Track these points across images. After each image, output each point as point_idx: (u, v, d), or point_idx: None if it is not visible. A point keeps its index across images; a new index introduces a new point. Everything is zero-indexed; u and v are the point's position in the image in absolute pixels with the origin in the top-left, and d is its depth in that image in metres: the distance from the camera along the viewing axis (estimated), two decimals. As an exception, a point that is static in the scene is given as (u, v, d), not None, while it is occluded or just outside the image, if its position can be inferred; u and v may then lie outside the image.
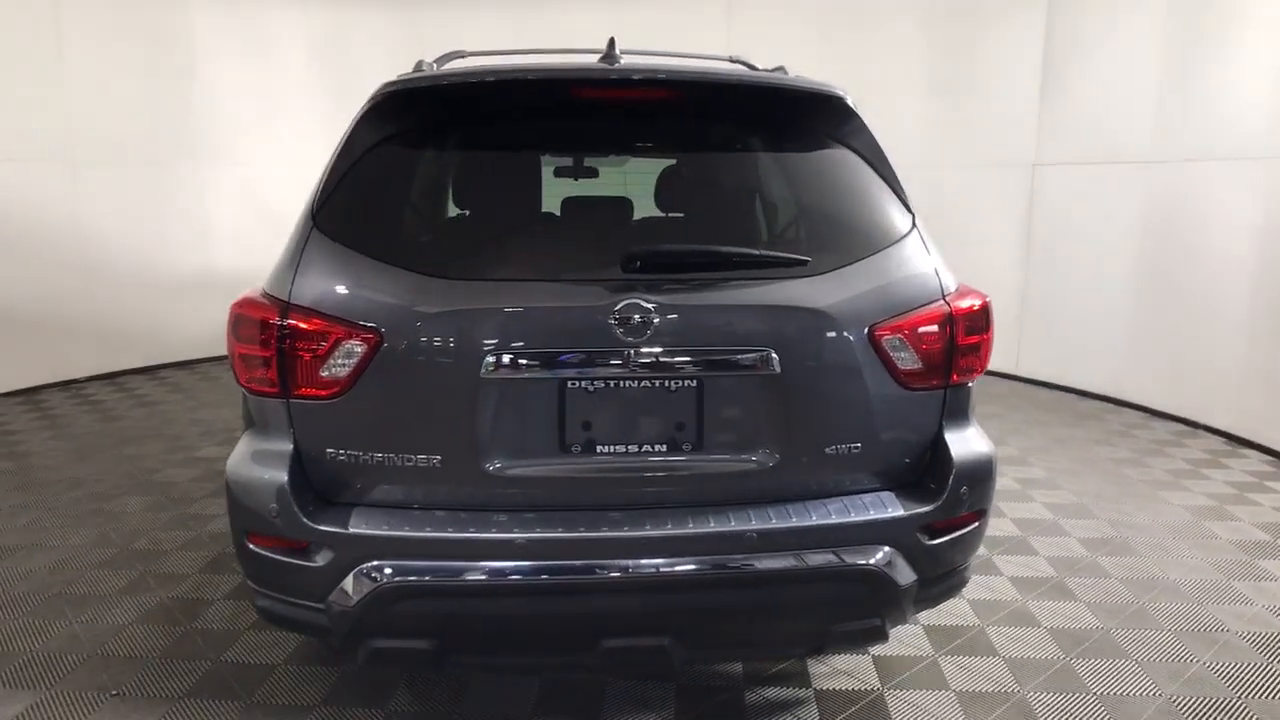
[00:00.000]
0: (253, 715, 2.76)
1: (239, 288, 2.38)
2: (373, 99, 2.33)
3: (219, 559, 3.86)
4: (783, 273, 2.25)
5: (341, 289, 2.19)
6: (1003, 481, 4.94)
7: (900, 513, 2.24)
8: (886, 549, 2.22)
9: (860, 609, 2.27)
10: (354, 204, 2.30)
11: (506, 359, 2.12)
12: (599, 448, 2.20)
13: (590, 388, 2.17)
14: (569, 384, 2.16)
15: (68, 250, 7.09)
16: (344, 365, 2.15)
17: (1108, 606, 3.49)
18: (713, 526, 2.16)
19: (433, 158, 2.53)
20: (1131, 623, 3.36)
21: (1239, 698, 2.88)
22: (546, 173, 3.01)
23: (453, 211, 2.68)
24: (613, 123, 2.55)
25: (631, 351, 2.13)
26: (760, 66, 3.10)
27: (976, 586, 3.63)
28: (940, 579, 2.38)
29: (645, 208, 3.22)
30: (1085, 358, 6.93)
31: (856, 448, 2.27)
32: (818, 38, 8.15)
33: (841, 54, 8.11)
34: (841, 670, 3.00)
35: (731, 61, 3.31)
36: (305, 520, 2.14)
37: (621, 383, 2.17)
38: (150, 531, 4.19)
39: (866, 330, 2.23)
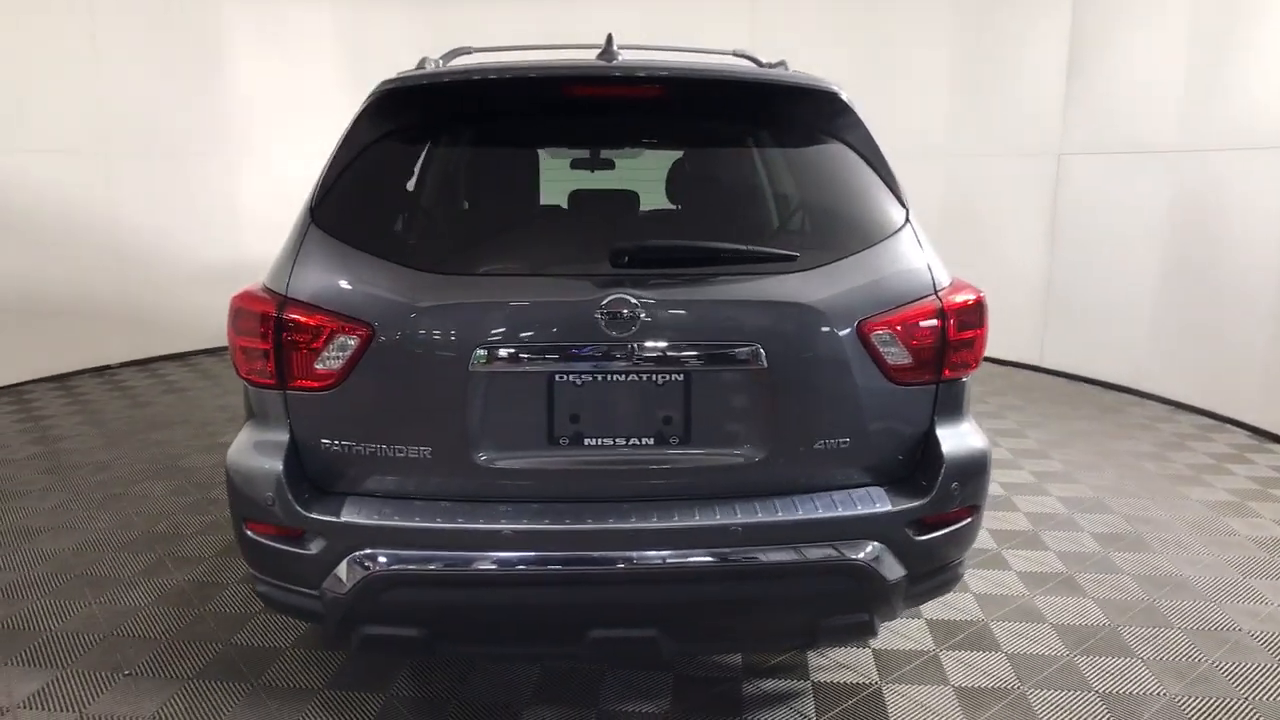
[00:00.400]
0: (258, 697, 2.82)
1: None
2: (370, 97, 2.37)
3: (235, 544, 3.94)
4: (771, 268, 2.25)
5: (337, 283, 2.23)
6: (1018, 475, 4.90)
7: (888, 508, 2.24)
8: (874, 544, 2.22)
9: (848, 604, 2.27)
10: (351, 200, 2.33)
11: (495, 352, 2.15)
12: (587, 440, 2.22)
13: (578, 381, 2.19)
14: (557, 377, 2.18)
15: (102, 239, 7.25)
16: (338, 358, 2.19)
17: (1117, 603, 3.45)
18: (699, 520, 2.17)
19: (429, 154, 2.55)
20: (1140, 620, 3.32)
21: (1246, 699, 2.84)
22: (550, 167, 3.04)
23: (448, 207, 2.71)
24: (607, 119, 2.57)
25: (618, 346, 2.15)
26: (764, 61, 3.09)
27: (983, 581, 3.62)
28: (931, 575, 2.37)
29: (650, 202, 3.23)
30: (1110, 349, 6.83)
31: (845, 443, 2.27)
32: (844, 25, 8.08)
33: (865, 42, 8.04)
34: (841, 664, 3.00)
35: (736, 55, 3.30)
36: (299, 509, 2.18)
37: (609, 376, 2.19)
38: (171, 515, 4.29)
39: (855, 325, 2.22)
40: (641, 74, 2.31)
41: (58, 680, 2.90)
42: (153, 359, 7.76)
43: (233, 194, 8.10)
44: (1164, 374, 6.42)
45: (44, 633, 3.20)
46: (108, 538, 4.03)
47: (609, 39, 2.53)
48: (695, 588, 2.21)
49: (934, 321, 2.28)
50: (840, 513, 2.21)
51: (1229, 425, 5.85)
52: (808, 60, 4.62)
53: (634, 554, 2.15)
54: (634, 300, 2.14)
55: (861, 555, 2.20)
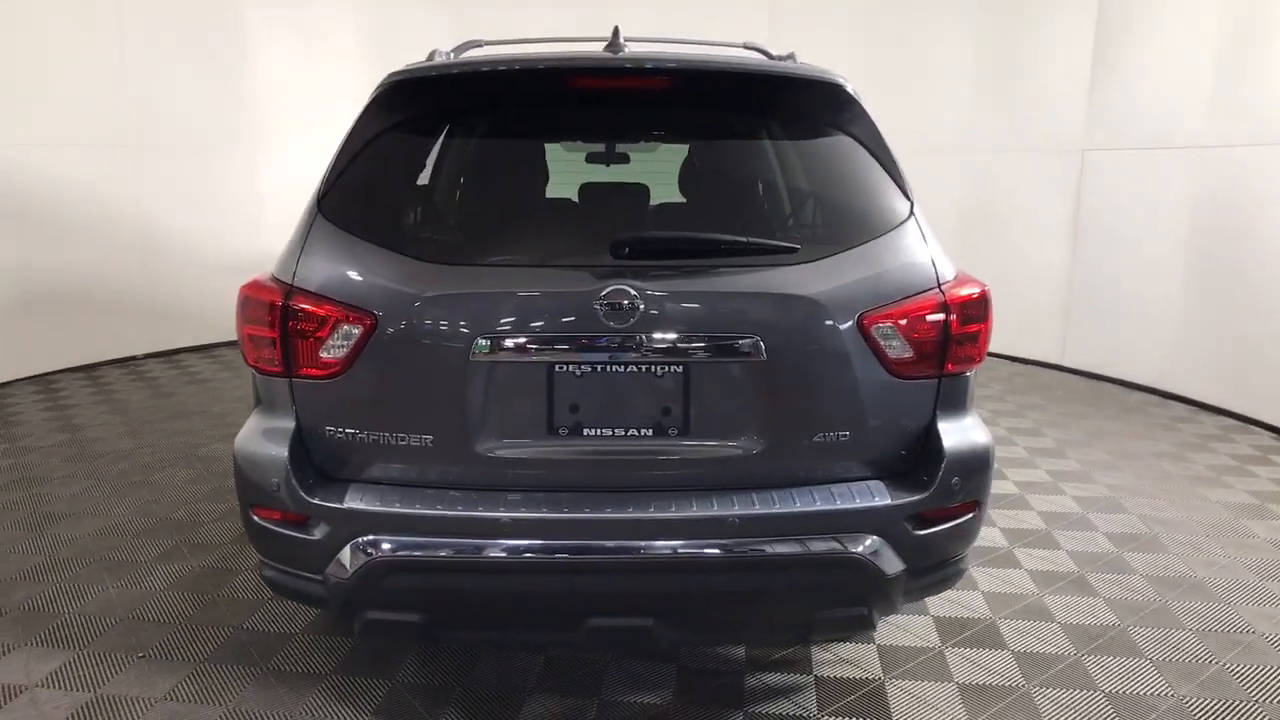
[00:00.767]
0: (267, 681, 2.87)
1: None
2: (378, 89, 2.40)
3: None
4: (773, 260, 2.25)
5: (342, 273, 2.26)
6: (1033, 474, 4.86)
7: (887, 502, 2.24)
8: (873, 538, 2.22)
9: (846, 597, 2.27)
10: (357, 191, 2.37)
11: (495, 342, 2.17)
12: (586, 431, 2.24)
13: (578, 372, 2.21)
14: (557, 368, 2.20)
15: (128, 232, 7.36)
16: (342, 346, 2.22)
17: (1128, 604, 3.42)
18: (697, 511, 2.18)
19: (435, 147, 2.58)
20: (1151, 621, 3.29)
21: (1256, 701, 2.80)
22: (565, 161, 3.06)
23: (453, 199, 2.74)
24: (613, 112, 2.58)
25: (618, 337, 2.16)
26: (774, 54, 3.08)
27: (992, 579, 3.60)
28: (931, 570, 2.37)
29: (663, 196, 3.24)
30: (1133, 348, 6.75)
31: (845, 435, 2.27)
32: (864, 17, 8.04)
33: (886, 38, 8.01)
34: (844, 658, 3.00)
35: (746, 48, 3.30)
36: (304, 495, 2.22)
37: (608, 367, 2.21)
38: (189, 503, 4.36)
39: (856, 318, 2.22)
40: (647, 66, 2.32)
41: (75, 660, 2.97)
42: (176, 350, 7.88)
43: (256, 187, 8.20)
44: (1187, 374, 6.33)
45: (63, 614, 3.27)
46: (127, 524, 4.10)
47: (615, 31, 2.54)
48: (692, 578, 2.22)
49: (936, 315, 2.28)
50: (839, 506, 2.22)
51: (1253, 426, 5.77)
52: (827, 53, 4.61)
53: (631, 543, 2.17)
54: (633, 291, 2.15)
55: (860, 549, 2.20)
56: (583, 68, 2.33)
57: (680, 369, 2.21)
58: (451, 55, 2.87)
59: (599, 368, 2.21)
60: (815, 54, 3.58)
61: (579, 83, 2.35)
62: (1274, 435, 5.58)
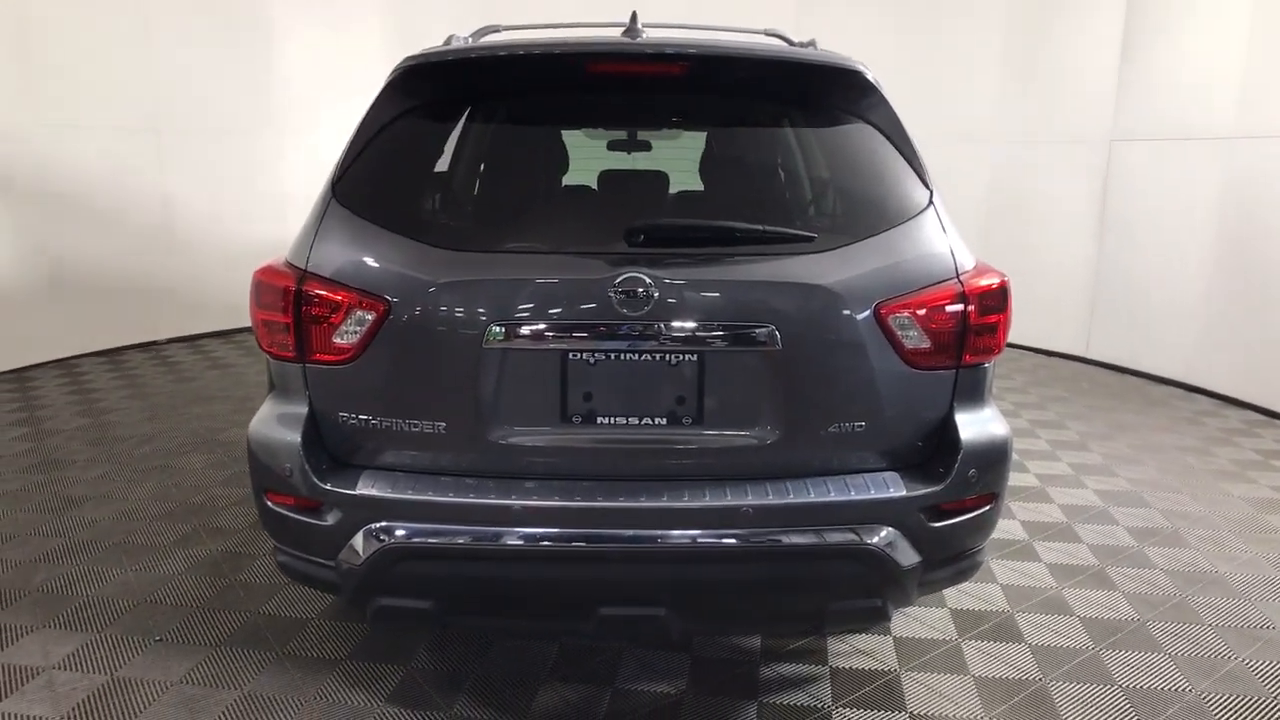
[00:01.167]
0: (282, 665, 2.88)
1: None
2: (393, 73, 2.38)
3: (267, 516, 4.03)
4: (789, 248, 2.23)
5: (355, 258, 2.25)
6: (1055, 466, 4.81)
7: (903, 493, 2.21)
8: (888, 529, 2.19)
9: (860, 589, 2.25)
10: (371, 177, 2.36)
11: (509, 329, 2.16)
12: (600, 419, 2.22)
13: (591, 360, 2.19)
14: (570, 355, 2.19)
15: (152, 216, 7.41)
16: (355, 332, 2.21)
17: (1148, 598, 3.38)
18: (710, 500, 2.16)
19: (449, 132, 2.56)
20: (1171, 616, 3.25)
21: (1275, 698, 2.76)
22: (586, 149, 3.03)
23: (468, 185, 2.72)
24: (631, 98, 2.55)
25: (632, 324, 2.15)
26: (795, 40, 3.05)
27: (1011, 572, 3.56)
28: (947, 562, 2.34)
29: (684, 184, 3.22)
30: (1159, 342, 6.65)
31: (860, 426, 2.24)
32: (891, 8, 7.95)
33: (913, 25, 7.92)
34: (861, 650, 2.98)
35: (767, 35, 3.26)
36: (316, 480, 2.22)
37: (622, 355, 2.19)
38: (208, 488, 4.39)
39: (872, 308, 2.19)
40: (665, 52, 2.29)
41: (92, 643, 2.99)
42: (199, 335, 7.94)
43: (278, 174, 8.22)
44: (1213, 368, 6.24)
45: (81, 597, 3.30)
46: (146, 508, 4.14)
47: (633, 16, 2.51)
48: (705, 568, 2.21)
49: (955, 306, 2.24)
50: (854, 497, 2.19)
51: (1278, 421, 5.68)
52: (853, 41, 4.55)
53: (644, 533, 2.15)
54: (648, 279, 2.13)
55: (875, 540, 2.18)
56: (598, 53, 2.31)
57: (695, 357, 2.19)
58: (469, 40, 2.86)
59: (613, 355, 2.19)
60: (841, 41, 3.54)
61: (595, 68, 2.33)
62: (1301, 430, 5.50)
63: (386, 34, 8.56)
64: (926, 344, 2.23)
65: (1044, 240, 7.37)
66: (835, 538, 2.17)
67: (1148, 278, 6.69)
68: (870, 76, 2.37)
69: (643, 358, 2.19)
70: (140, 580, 3.44)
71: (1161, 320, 6.61)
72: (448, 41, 2.79)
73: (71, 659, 2.90)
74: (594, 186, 3.10)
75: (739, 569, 2.21)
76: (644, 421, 2.22)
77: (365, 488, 2.21)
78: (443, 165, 2.59)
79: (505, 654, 2.94)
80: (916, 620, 3.16)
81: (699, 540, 2.15)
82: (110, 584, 3.40)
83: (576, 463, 2.25)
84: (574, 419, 2.22)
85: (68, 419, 5.50)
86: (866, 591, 2.25)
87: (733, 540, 2.16)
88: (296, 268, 2.28)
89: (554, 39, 2.40)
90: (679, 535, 2.15)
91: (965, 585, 3.25)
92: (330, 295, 2.21)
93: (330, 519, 2.23)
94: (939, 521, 2.25)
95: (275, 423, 2.32)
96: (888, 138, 2.40)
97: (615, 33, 2.57)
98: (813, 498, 2.18)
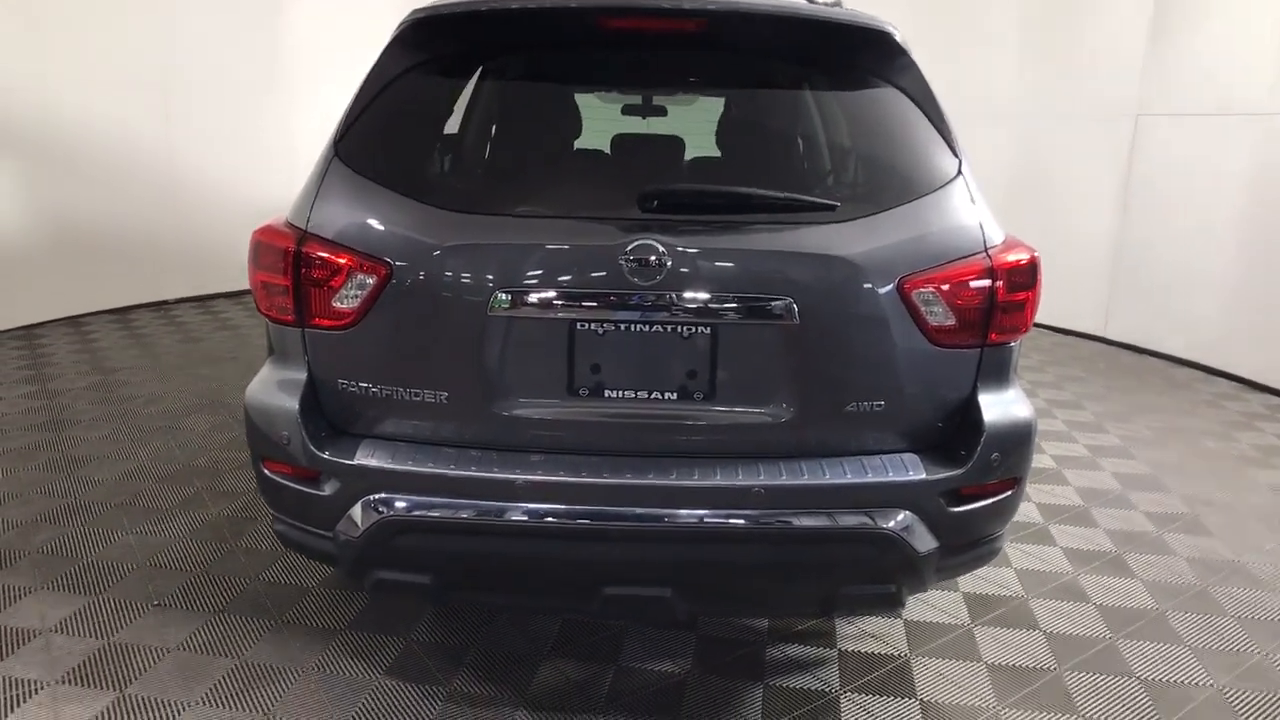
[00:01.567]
0: (281, 635, 2.84)
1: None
2: (400, 26, 2.28)
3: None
4: (809, 217, 2.12)
5: (356, 219, 2.17)
6: (1072, 448, 4.71)
7: (922, 476, 2.12)
8: (905, 513, 2.11)
9: (874, 574, 2.17)
10: (375, 134, 2.26)
11: (514, 297, 2.07)
12: (608, 392, 2.14)
13: (600, 330, 2.10)
14: (578, 325, 2.10)
15: (162, 176, 7.33)
16: (355, 296, 2.13)
17: (1167, 587, 3.29)
18: (720, 480, 2.08)
19: (458, 89, 2.46)
20: (1191, 606, 3.16)
21: (1299, 693, 2.69)
22: (599, 113, 2.93)
23: (476, 145, 2.62)
24: (647, 57, 2.44)
25: (643, 294, 2.05)
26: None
27: (1026, 556, 3.48)
28: (966, 548, 2.26)
29: (700, 150, 3.10)
30: (1180, 322, 6.51)
31: (879, 405, 2.15)
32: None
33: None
34: (870, 633, 2.91)
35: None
36: (314, 449, 2.15)
37: (632, 326, 2.10)
38: (214, 450, 4.35)
39: (896, 282, 2.09)
40: (684, 6, 2.17)
41: (90, 606, 2.96)
42: (209, 296, 7.89)
43: (287, 134, 8.11)
44: (1236, 350, 6.10)
45: (82, 559, 3.26)
46: (150, 469, 4.10)
47: None
48: (713, 548, 2.13)
49: (982, 281, 2.14)
50: (870, 479, 2.11)
51: (1304, 406, 5.56)
52: (873, 11, 4.38)
53: (651, 511, 2.08)
54: (661, 247, 2.04)
55: (891, 524, 2.09)
56: (614, 7, 2.19)
57: (708, 330, 2.10)
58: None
59: (623, 326, 2.10)
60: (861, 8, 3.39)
61: (610, 23, 2.21)
62: (1326, 416, 5.38)
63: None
64: (951, 321, 2.13)
65: (1063, 216, 7.20)
66: (850, 521, 2.09)
67: (1171, 257, 6.52)
68: (900, 39, 2.25)
69: (653, 329, 2.10)
70: (142, 543, 3.40)
71: (1183, 300, 6.45)
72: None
73: (69, 622, 2.86)
74: (607, 151, 3.00)
75: (749, 551, 2.13)
76: (653, 396, 2.14)
77: (364, 458, 2.14)
78: (450, 124, 2.49)
79: (507, 628, 2.89)
80: (928, 604, 3.09)
81: (708, 520, 2.08)
82: (112, 546, 3.37)
83: (583, 437, 2.17)
84: (581, 392, 2.14)
85: (75, 377, 5.47)
86: (880, 577, 2.17)
87: (743, 521, 2.08)
88: (296, 228, 2.20)
89: None
90: (687, 515, 2.08)
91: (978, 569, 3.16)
92: (331, 257, 2.13)
93: (328, 489, 2.17)
94: (958, 506, 2.16)
95: (273, 388, 2.26)
96: (916, 104, 2.28)
97: None
98: (828, 479, 2.10)
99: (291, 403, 2.18)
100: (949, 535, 2.17)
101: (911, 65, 2.29)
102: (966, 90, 7.33)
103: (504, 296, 2.07)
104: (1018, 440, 2.23)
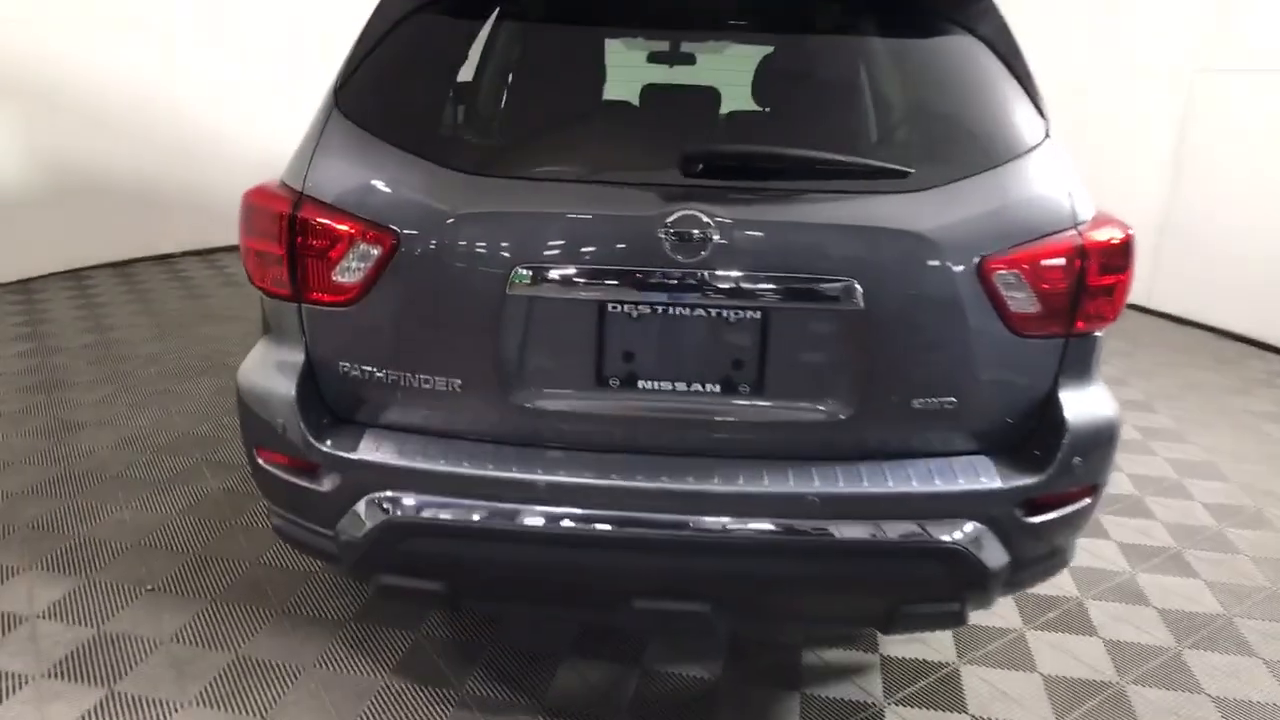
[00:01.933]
0: (281, 625, 2.64)
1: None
2: None
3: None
4: (877, 185, 1.85)
5: (360, 181, 1.91)
6: (1122, 430, 4.43)
7: (997, 484, 1.87)
8: (975, 524, 1.87)
9: (937, 591, 1.93)
10: (381, 83, 1.99)
11: (538, 273, 1.81)
12: (641, 383, 1.89)
13: (634, 313, 1.84)
14: (609, 307, 1.84)
15: (164, 125, 7.04)
16: (358, 268, 1.88)
17: (1234, 589, 3.05)
18: (768, 485, 1.84)
19: (472, 33, 2.17)
20: (1261, 611, 2.92)
21: (1386, 715, 2.46)
22: (623, 59, 2.64)
23: (494, 98, 2.34)
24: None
25: (685, 272, 1.79)
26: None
27: (1080, 551, 3.19)
28: (1035, 561, 2.02)
29: (733, 103, 2.81)
30: (1230, 294, 6.18)
31: (951, 403, 1.89)
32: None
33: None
34: (915, 637, 2.68)
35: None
36: (311, 439, 1.92)
37: (671, 309, 1.84)
38: (214, 416, 4.14)
39: (976, 262, 1.82)
40: None
41: (80, 590, 2.77)
42: (214, 249, 7.64)
43: (294, 86, 7.77)
44: (1291, 325, 5.79)
45: (72, 537, 3.07)
46: (148, 436, 3.89)
47: None
48: (758, 562, 1.89)
49: (1071, 262, 1.87)
50: (939, 486, 1.86)
51: (1362, 386, 5.27)
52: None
53: (689, 519, 1.84)
54: (706, 219, 1.77)
55: (959, 537, 1.85)
56: None
57: (757, 315, 1.84)
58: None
59: (660, 309, 1.84)
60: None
61: None
62: (1387, 398, 5.08)
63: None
64: (1035, 307, 1.87)
65: (1107, 178, 6.75)
66: (914, 534, 1.84)
67: (1224, 224, 6.18)
68: None
69: (695, 313, 1.84)
70: (136, 520, 3.19)
71: (1234, 270, 6.12)
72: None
73: (58, 607, 2.68)
74: (635, 104, 2.71)
75: (799, 565, 1.89)
76: (693, 388, 1.88)
77: (368, 451, 1.91)
78: (464, 73, 2.21)
79: (525, 626, 2.67)
80: (977, 603, 2.86)
81: (754, 531, 1.84)
82: (105, 523, 3.17)
83: (613, 434, 1.92)
84: (611, 382, 1.89)
85: (73, 335, 5.25)
86: (945, 594, 1.93)
87: (794, 533, 1.84)
88: (292, 190, 1.94)
89: None
90: (730, 524, 1.84)
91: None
92: (330, 224, 1.88)
93: (328, 484, 1.94)
94: (1034, 516, 1.92)
95: (268, 370, 2.02)
96: (999, 55, 1.99)
97: None
98: (890, 486, 1.85)
99: (288, 387, 1.95)
100: (1022, 549, 1.93)
101: (993, 9, 2.00)
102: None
103: (525, 272, 1.81)
104: (1101, 441, 1.98)
